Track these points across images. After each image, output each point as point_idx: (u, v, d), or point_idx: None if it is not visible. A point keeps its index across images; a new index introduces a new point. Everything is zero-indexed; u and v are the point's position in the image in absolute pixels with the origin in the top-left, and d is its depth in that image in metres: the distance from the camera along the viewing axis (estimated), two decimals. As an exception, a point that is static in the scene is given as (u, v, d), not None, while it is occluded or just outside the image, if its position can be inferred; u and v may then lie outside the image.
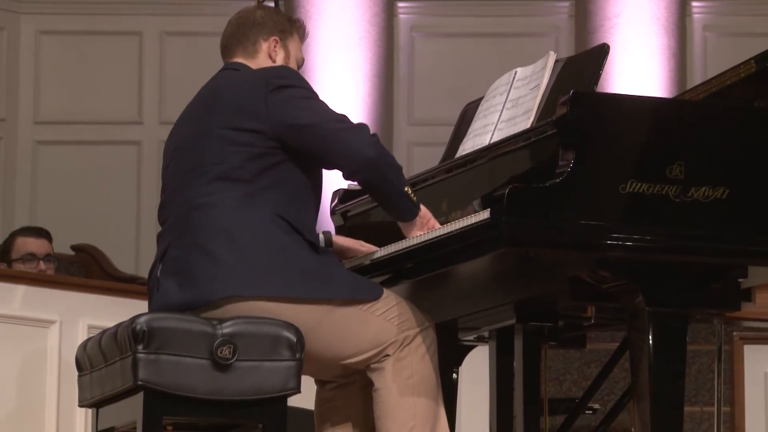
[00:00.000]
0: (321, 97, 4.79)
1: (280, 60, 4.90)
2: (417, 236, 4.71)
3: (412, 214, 4.73)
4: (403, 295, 4.82)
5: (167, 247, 4.75)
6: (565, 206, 4.37)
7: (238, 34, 4.94)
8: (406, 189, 4.70)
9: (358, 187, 5.08)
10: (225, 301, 4.60)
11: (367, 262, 4.76)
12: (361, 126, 4.70)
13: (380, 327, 4.69)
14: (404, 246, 4.76)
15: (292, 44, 4.95)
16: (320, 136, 4.66)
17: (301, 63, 4.98)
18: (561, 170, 4.40)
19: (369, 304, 4.68)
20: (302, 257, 4.63)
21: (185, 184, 4.77)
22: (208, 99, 4.83)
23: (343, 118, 4.69)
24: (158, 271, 4.75)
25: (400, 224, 4.76)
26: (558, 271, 4.59)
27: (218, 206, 4.67)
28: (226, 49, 4.96)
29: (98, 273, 10.15)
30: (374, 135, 4.68)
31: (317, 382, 5.00)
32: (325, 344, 4.71)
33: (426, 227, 4.72)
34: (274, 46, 4.91)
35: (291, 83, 4.72)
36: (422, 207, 4.74)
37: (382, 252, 4.90)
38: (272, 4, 6.94)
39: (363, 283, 4.72)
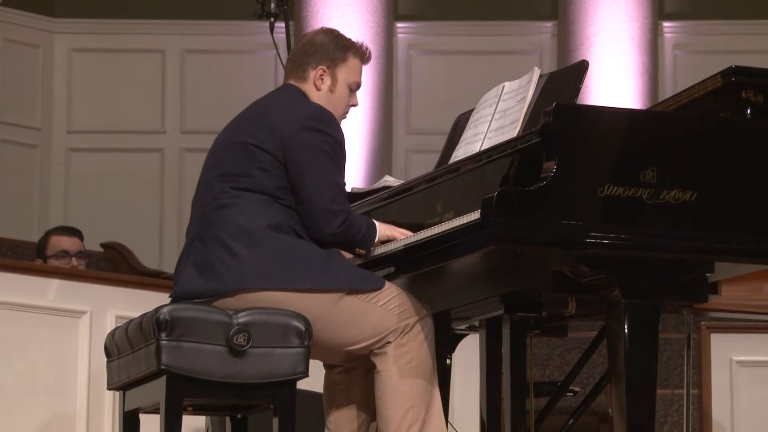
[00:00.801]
0: (344, 144, 4.79)
1: (325, 88, 4.86)
2: (414, 234, 4.71)
3: (368, 244, 4.81)
4: (403, 287, 4.82)
5: (192, 240, 4.78)
6: (548, 208, 4.36)
7: (296, 58, 4.92)
8: (360, 238, 4.75)
9: (362, 189, 5.09)
10: (240, 291, 4.62)
11: (402, 246, 4.73)
12: (338, 213, 4.68)
13: (382, 316, 4.69)
14: (403, 244, 4.77)
15: (343, 71, 4.89)
16: (307, 190, 4.68)
17: (354, 87, 4.93)
18: (545, 175, 4.40)
19: (372, 295, 4.69)
20: (309, 254, 4.66)
21: (213, 185, 4.79)
22: (258, 114, 4.83)
23: (334, 196, 4.68)
24: (183, 260, 4.77)
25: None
26: (542, 266, 4.58)
27: (238, 208, 4.69)
28: (286, 69, 4.95)
29: (125, 268, 10.14)
30: (346, 219, 4.69)
31: (325, 366, 5.00)
32: (331, 332, 4.71)
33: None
34: (321, 75, 4.87)
35: (320, 128, 4.71)
36: (381, 230, 4.81)
37: (382, 249, 4.90)
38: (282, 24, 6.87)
39: (365, 275, 4.73)
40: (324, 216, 4.67)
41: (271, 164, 4.70)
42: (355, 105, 4.96)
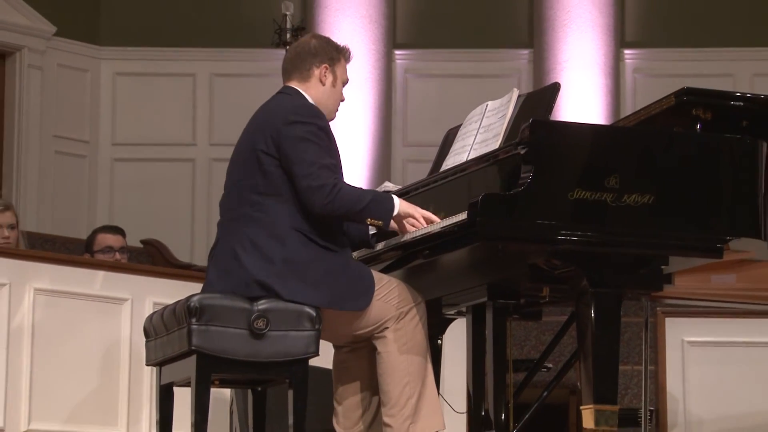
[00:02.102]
0: (331, 130, 4.73)
1: (328, 83, 4.81)
2: (411, 232, 4.69)
3: (384, 216, 4.65)
4: (400, 278, 4.81)
5: (217, 242, 4.76)
6: (526, 209, 4.35)
7: (296, 61, 4.84)
8: (363, 207, 4.59)
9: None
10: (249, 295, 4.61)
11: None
12: (320, 187, 4.54)
13: (382, 308, 4.67)
14: (402, 240, 4.75)
15: (339, 69, 4.85)
16: (294, 176, 4.59)
17: (345, 82, 4.88)
18: (522, 181, 4.39)
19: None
20: (308, 267, 4.60)
21: (232, 192, 4.76)
22: (256, 120, 4.77)
23: (314, 173, 4.54)
24: (210, 259, 4.76)
25: (391, 227, 4.71)
26: (520, 259, 4.58)
27: (250, 219, 4.65)
28: (285, 73, 4.87)
29: (161, 261, 10.14)
30: (332, 190, 4.54)
31: (334, 346, 4.98)
32: (337, 323, 4.70)
33: (417, 221, 4.68)
34: (324, 72, 4.82)
35: (303, 120, 4.64)
36: (402, 207, 4.65)
37: (382, 245, 4.89)
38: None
39: (358, 289, 4.64)
40: (309, 195, 4.56)
41: (273, 165, 4.64)
42: (343, 100, 4.92)
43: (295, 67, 4.84)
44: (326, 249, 4.63)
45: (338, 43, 4.93)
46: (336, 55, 4.85)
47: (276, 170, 4.63)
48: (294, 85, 4.82)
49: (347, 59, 4.89)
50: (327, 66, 4.82)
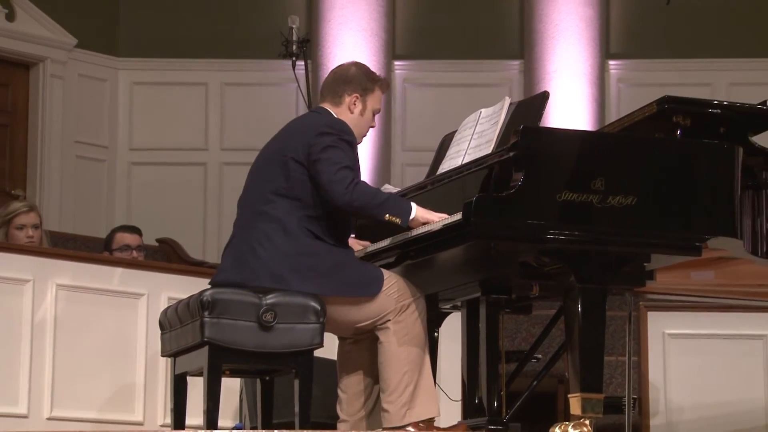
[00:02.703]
0: (356, 146, 4.73)
1: (357, 112, 4.83)
2: (409, 231, 4.69)
3: (402, 215, 4.64)
4: (400, 274, 4.81)
5: (234, 235, 4.78)
6: (517, 210, 4.36)
7: (332, 86, 4.86)
8: (380, 202, 4.61)
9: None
10: (260, 286, 4.61)
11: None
12: (341, 180, 4.56)
13: (383, 301, 4.68)
14: (401, 239, 4.76)
15: (371, 99, 4.85)
16: (318, 172, 4.61)
17: (376, 111, 4.89)
18: (514, 184, 4.39)
19: None
20: (318, 259, 4.62)
21: (254, 192, 4.78)
22: (287, 132, 4.80)
23: (337, 171, 4.57)
24: (227, 249, 4.78)
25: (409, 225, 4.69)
26: (511, 257, 4.58)
27: (267, 215, 4.68)
28: (321, 94, 4.90)
29: (175, 259, 10.14)
30: (350, 184, 4.57)
31: (339, 338, 4.98)
32: (341, 314, 4.70)
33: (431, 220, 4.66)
34: (354, 101, 4.83)
35: (334, 132, 4.67)
36: (419, 211, 4.64)
37: (383, 243, 4.88)
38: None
39: (367, 278, 4.67)
40: (330, 188, 4.58)
41: (299, 171, 4.66)
42: (373, 126, 4.94)
43: (330, 90, 4.87)
44: (334, 245, 4.65)
45: (376, 74, 4.92)
46: (370, 85, 4.85)
47: (300, 176, 4.66)
48: (326, 106, 4.86)
49: (383, 90, 4.89)
50: (358, 95, 4.84)
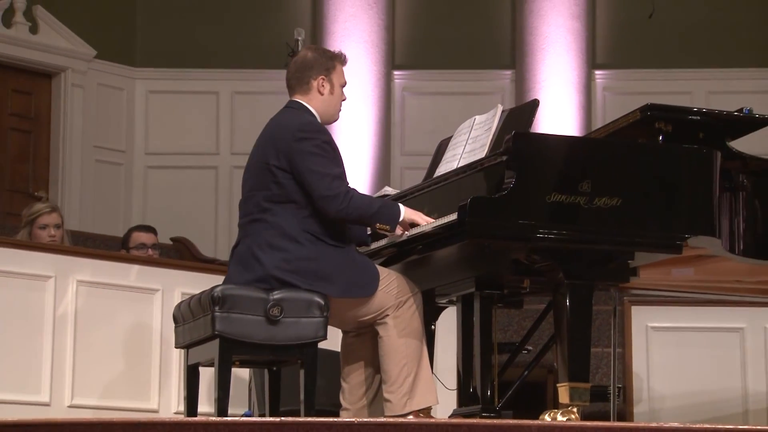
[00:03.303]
0: (336, 141, 4.72)
1: (326, 92, 4.77)
2: (424, 225, 4.66)
3: (391, 221, 4.64)
4: (399, 271, 4.80)
5: (238, 242, 4.75)
6: (509, 211, 4.35)
7: (296, 75, 4.79)
8: (373, 213, 4.59)
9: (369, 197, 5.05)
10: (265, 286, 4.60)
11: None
12: (335, 196, 4.53)
13: (382, 297, 4.67)
14: (403, 237, 4.74)
15: (335, 76, 4.79)
16: (308, 186, 4.57)
17: (343, 85, 4.83)
18: (506, 186, 4.38)
19: None
20: (317, 262, 4.59)
21: (249, 199, 4.74)
22: (267, 135, 4.73)
23: (327, 184, 4.53)
24: (233, 256, 4.75)
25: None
26: (504, 255, 4.57)
27: (265, 222, 4.64)
28: (290, 88, 4.83)
29: (188, 256, 10.13)
30: (345, 197, 4.53)
31: (342, 332, 4.97)
32: (344, 309, 4.69)
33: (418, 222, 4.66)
34: (322, 83, 4.77)
35: (310, 136, 4.61)
36: (406, 214, 4.65)
37: (384, 242, 4.87)
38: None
39: (364, 279, 4.64)
40: (324, 203, 4.55)
41: (284, 177, 4.62)
42: (344, 99, 4.87)
43: (296, 80, 4.80)
44: (334, 246, 4.63)
45: (332, 51, 4.87)
46: (331, 64, 4.79)
47: (288, 182, 4.61)
48: (298, 98, 4.80)
49: (343, 63, 4.83)
50: (323, 77, 4.78)
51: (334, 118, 4.81)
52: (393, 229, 4.68)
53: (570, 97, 11.52)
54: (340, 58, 4.83)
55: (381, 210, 4.63)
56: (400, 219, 4.65)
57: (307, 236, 4.60)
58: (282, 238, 4.59)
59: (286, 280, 4.56)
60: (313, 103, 4.77)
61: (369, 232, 4.98)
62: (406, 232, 4.68)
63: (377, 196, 5.23)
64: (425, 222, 4.64)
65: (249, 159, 4.78)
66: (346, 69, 4.88)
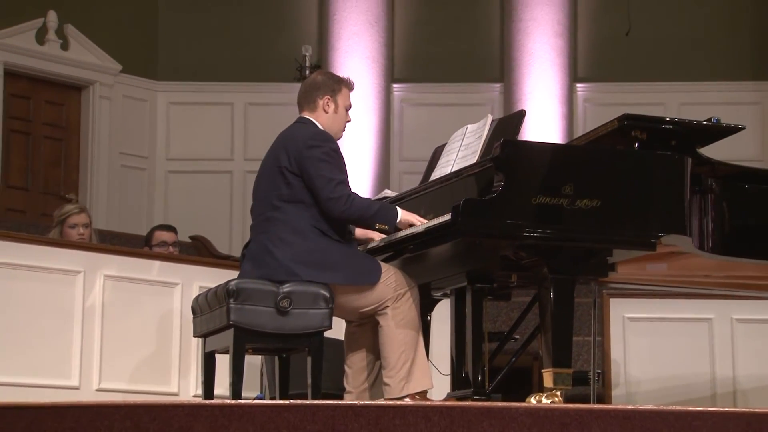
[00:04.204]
0: (341, 147, 4.73)
1: (331, 110, 4.79)
2: (406, 230, 4.69)
3: (389, 222, 4.66)
4: (397, 266, 4.79)
5: (250, 241, 4.75)
6: (498, 211, 4.34)
7: (305, 95, 4.82)
8: (373, 214, 4.62)
9: (370, 198, 5.05)
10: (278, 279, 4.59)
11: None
12: (339, 198, 4.56)
13: (382, 289, 4.66)
14: (398, 236, 4.74)
15: (341, 97, 4.81)
16: (315, 189, 4.59)
17: (348, 107, 4.85)
18: (495, 189, 4.37)
19: None
20: (325, 254, 4.59)
21: (261, 200, 4.75)
22: (280, 144, 4.76)
23: (332, 188, 4.56)
24: (246, 253, 4.74)
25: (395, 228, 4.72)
26: (493, 252, 4.56)
27: (277, 220, 4.65)
28: (299, 105, 4.85)
29: (206, 253, 10.11)
30: (347, 200, 4.56)
31: (346, 322, 4.97)
32: (347, 301, 4.69)
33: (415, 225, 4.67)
34: (327, 102, 4.79)
35: (319, 144, 4.63)
36: (403, 215, 4.67)
37: (382, 242, 4.87)
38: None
39: (367, 268, 4.65)
40: (329, 205, 4.58)
41: (294, 179, 4.64)
42: (349, 121, 4.90)
43: (305, 99, 4.83)
44: (338, 241, 4.64)
45: (340, 76, 4.90)
46: (337, 86, 4.82)
47: (298, 183, 4.63)
48: (306, 114, 4.82)
49: (349, 88, 4.86)
50: (329, 97, 4.80)
51: (338, 136, 4.82)
52: (392, 229, 4.70)
53: (554, 107, 11.52)
54: (346, 83, 4.86)
55: (380, 211, 4.66)
56: (398, 220, 4.67)
57: (314, 231, 4.61)
58: (292, 233, 4.61)
59: (296, 271, 4.56)
60: (319, 119, 4.79)
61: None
62: (404, 231, 4.69)
63: (378, 198, 5.24)
64: (420, 223, 4.65)
65: (261, 167, 4.81)
66: (351, 86, 4.89)
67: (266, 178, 4.73)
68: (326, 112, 4.80)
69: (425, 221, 4.64)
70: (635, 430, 3.70)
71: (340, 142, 4.77)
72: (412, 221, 4.67)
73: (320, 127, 4.76)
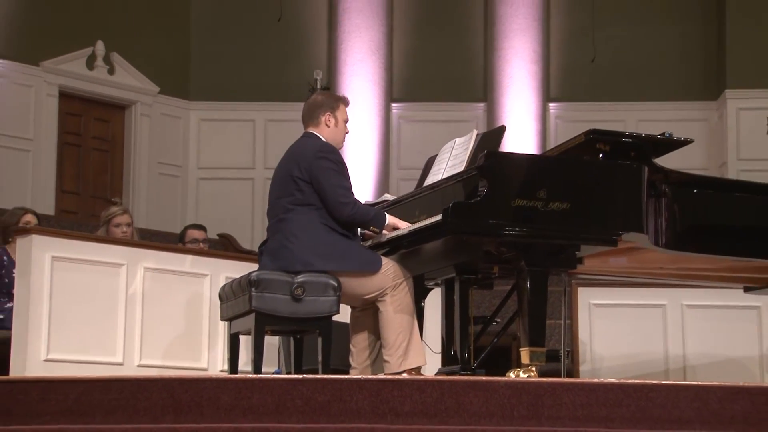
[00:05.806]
0: (346, 158, 4.75)
1: (332, 125, 4.80)
2: (403, 228, 4.67)
3: (380, 225, 4.71)
4: (395, 260, 4.79)
5: (267, 239, 4.74)
6: (482, 213, 4.34)
7: (309, 113, 4.84)
8: (370, 218, 4.67)
9: (372, 201, 5.05)
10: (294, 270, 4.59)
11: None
12: (347, 204, 4.60)
13: (382, 280, 4.66)
14: (396, 234, 4.74)
15: (339, 113, 4.82)
16: (326, 194, 4.61)
17: (346, 121, 4.86)
18: (480, 193, 4.37)
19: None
20: (333, 245, 4.60)
21: (276, 204, 4.76)
22: (290, 156, 4.77)
23: (342, 193, 4.59)
24: (264, 248, 4.74)
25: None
26: (478, 247, 4.55)
27: (291, 220, 4.66)
28: (304, 122, 4.86)
29: (231, 249, 10.12)
30: (354, 206, 4.60)
31: (351, 307, 4.96)
32: (352, 288, 4.68)
33: (399, 226, 4.71)
34: (328, 118, 4.80)
35: (327, 155, 4.65)
36: (389, 220, 4.70)
37: (389, 235, 4.86)
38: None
39: (370, 259, 4.66)
40: (338, 208, 4.60)
41: (304, 186, 4.65)
42: (348, 132, 4.90)
43: (309, 116, 4.84)
44: (344, 235, 4.64)
45: (338, 94, 4.93)
46: (335, 103, 4.83)
47: (308, 189, 4.65)
48: (311, 129, 4.83)
49: (346, 104, 4.88)
50: (330, 113, 4.80)
51: (340, 146, 4.83)
52: (380, 231, 4.75)
53: (530, 123, 11.53)
54: (343, 100, 4.88)
55: (375, 217, 4.72)
56: (386, 224, 4.72)
57: (324, 227, 4.63)
58: (304, 230, 4.62)
59: (310, 261, 4.55)
60: (323, 133, 4.80)
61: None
62: (386, 233, 4.72)
63: (378, 201, 5.25)
64: (404, 226, 4.71)
65: (274, 176, 4.82)
66: (353, 103, 4.91)
67: (279, 185, 4.74)
68: (328, 127, 4.80)
69: (409, 225, 4.68)
70: (600, 399, 3.70)
71: (345, 153, 4.77)
72: (397, 224, 4.72)
73: (324, 139, 4.76)
